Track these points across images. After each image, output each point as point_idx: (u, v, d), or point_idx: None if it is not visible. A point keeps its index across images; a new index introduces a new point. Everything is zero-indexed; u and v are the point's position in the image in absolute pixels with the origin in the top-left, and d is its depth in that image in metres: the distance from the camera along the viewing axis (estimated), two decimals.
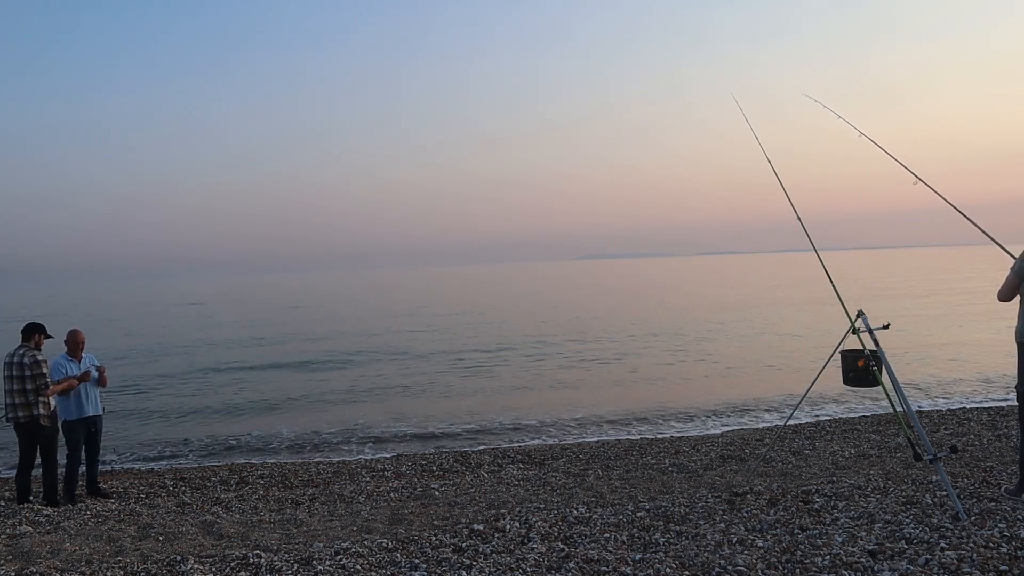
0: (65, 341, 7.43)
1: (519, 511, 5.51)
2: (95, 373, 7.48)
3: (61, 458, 7.36)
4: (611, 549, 4.38)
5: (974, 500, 4.80)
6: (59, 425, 7.26)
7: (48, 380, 7.07)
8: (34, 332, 7.24)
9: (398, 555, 4.47)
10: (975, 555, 3.81)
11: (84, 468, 7.61)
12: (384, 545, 4.68)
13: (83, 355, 7.50)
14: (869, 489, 5.35)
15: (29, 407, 6.99)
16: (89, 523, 6.27)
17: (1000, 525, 4.23)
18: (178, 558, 4.54)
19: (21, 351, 7.09)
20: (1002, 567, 3.65)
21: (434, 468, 8.73)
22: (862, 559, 3.90)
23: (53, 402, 7.20)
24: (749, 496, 5.41)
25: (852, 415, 11.17)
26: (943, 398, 12.59)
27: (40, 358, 7.09)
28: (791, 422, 9.87)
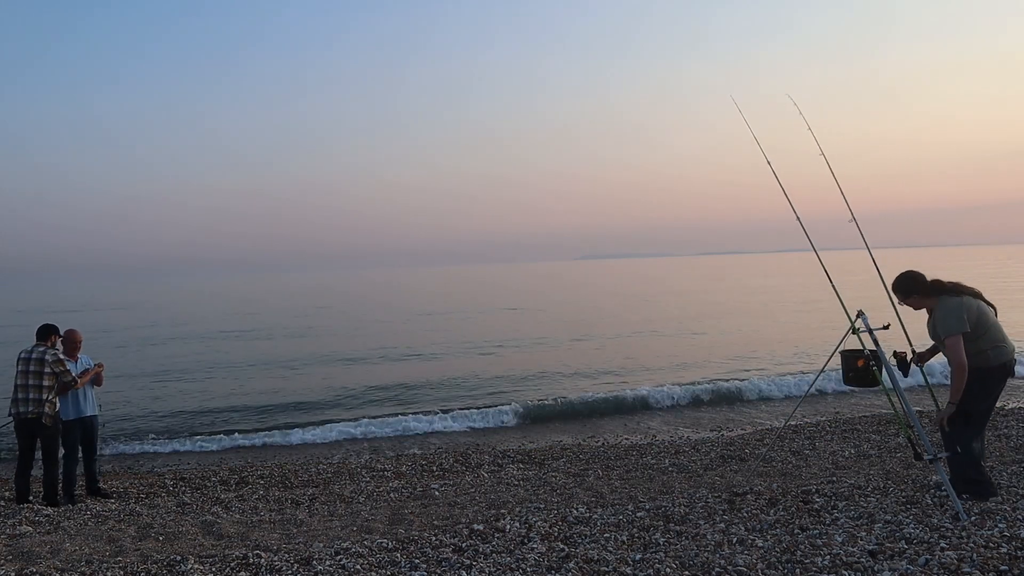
0: (62, 340, 7.45)
1: (519, 511, 5.51)
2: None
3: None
4: (611, 549, 4.38)
5: (974, 500, 4.80)
6: (59, 426, 7.27)
7: (75, 376, 7.15)
8: (50, 333, 7.30)
9: (398, 555, 4.47)
10: (975, 555, 3.81)
11: (82, 468, 7.62)
12: (384, 545, 4.68)
13: (79, 355, 7.54)
14: (869, 489, 5.35)
15: (40, 404, 7.00)
16: (89, 523, 6.27)
17: (1000, 525, 4.24)
18: (178, 558, 4.54)
19: (41, 349, 7.12)
20: (1002, 567, 3.66)
21: (434, 468, 8.73)
22: (862, 559, 3.90)
23: (58, 403, 7.21)
24: (749, 496, 5.41)
25: (852, 415, 11.16)
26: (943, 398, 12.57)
27: (62, 356, 7.15)
28: (791, 422, 9.87)
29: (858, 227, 5.76)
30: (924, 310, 5.02)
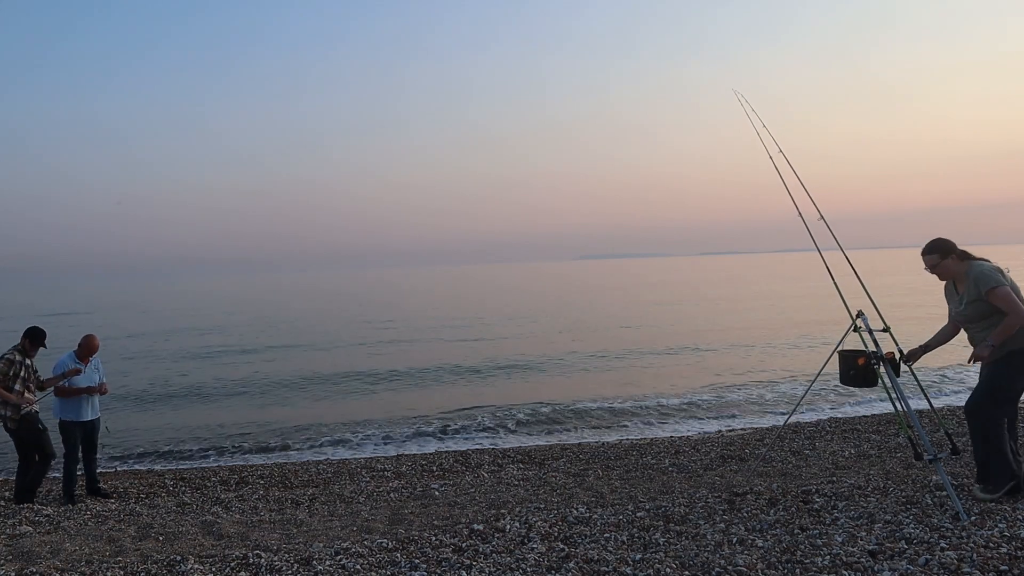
0: (79, 343, 7.46)
1: (519, 511, 5.51)
2: (100, 380, 7.56)
3: (53, 460, 7.41)
4: (611, 549, 4.38)
5: (974, 500, 4.80)
6: (40, 426, 7.21)
7: (7, 381, 7.03)
8: (25, 336, 7.26)
9: (398, 555, 4.47)
10: (975, 555, 3.81)
11: (83, 468, 7.64)
12: (384, 545, 4.68)
13: (90, 359, 7.55)
14: (869, 489, 5.35)
15: (4, 407, 7.02)
16: (89, 523, 6.27)
17: (1000, 525, 4.23)
18: (178, 558, 4.55)
19: (4, 351, 7.16)
20: (1002, 567, 3.65)
21: (434, 468, 8.73)
22: (862, 559, 3.90)
23: (35, 406, 7.18)
24: (749, 496, 5.41)
25: (852, 415, 11.17)
26: (943, 397, 12.59)
27: (9, 357, 7.09)
28: (791, 422, 9.87)
29: (828, 227, 5.74)
30: (939, 291, 4.97)
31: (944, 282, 5.06)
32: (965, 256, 4.83)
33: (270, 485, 8.20)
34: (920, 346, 5.15)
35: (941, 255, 4.84)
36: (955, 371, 15.06)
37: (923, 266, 4.98)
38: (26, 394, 7.11)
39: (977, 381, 4.89)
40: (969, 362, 4.78)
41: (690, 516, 4.99)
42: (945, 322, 5.16)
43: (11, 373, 7.03)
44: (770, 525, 4.64)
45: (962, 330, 5.03)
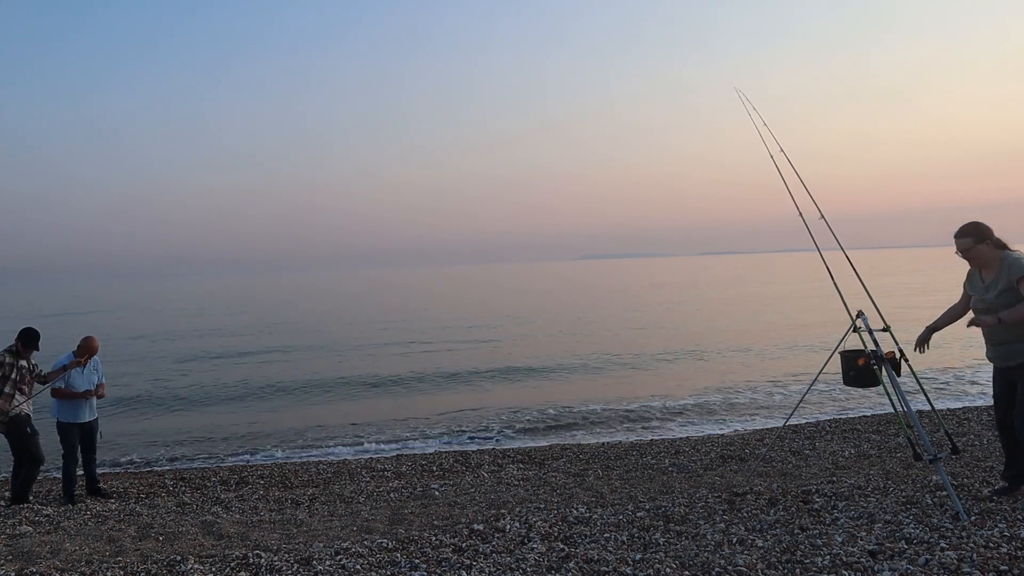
0: (79, 345, 7.46)
1: (519, 511, 5.51)
2: (99, 381, 7.59)
3: (51, 461, 7.41)
4: (611, 549, 4.38)
5: (974, 500, 4.80)
6: (28, 429, 7.19)
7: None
8: (18, 338, 7.23)
9: (398, 555, 4.47)
10: (975, 555, 3.81)
11: (83, 469, 7.65)
12: (384, 545, 4.68)
13: (89, 360, 7.55)
14: (869, 489, 5.35)
15: None
16: (89, 523, 6.28)
17: (1000, 525, 4.23)
18: (178, 558, 4.55)
19: None
20: (1002, 567, 3.65)
21: (434, 468, 8.73)
22: (862, 559, 3.90)
23: (25, 408, 7.17)
24: (749, 496, 5.41)
25: (852, 415, 11.16)
26: (943, 398, 12.59)
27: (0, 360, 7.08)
28: (791, 422, 9.86)
29: (829, 227, 5.72)
30: (960, 280, 4.92)
31: (970, 267, 4.89)
32: (1000, 245, 4.65)
33: (270, 485, 8.20)
34: (927, 328, 5.02)
35: (976, 239, 4.63)
36: (957, 372, 15.06)
37: (954, 249, 4.79)
38: (17, 396, 7.07)
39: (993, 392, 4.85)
40: (968, 326, 4.69)
41: (690, 516, 4.99)
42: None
43: (0, 375, 7.02)
44: (770, 525, 4.64)
45: (970, 312, 4.96)
